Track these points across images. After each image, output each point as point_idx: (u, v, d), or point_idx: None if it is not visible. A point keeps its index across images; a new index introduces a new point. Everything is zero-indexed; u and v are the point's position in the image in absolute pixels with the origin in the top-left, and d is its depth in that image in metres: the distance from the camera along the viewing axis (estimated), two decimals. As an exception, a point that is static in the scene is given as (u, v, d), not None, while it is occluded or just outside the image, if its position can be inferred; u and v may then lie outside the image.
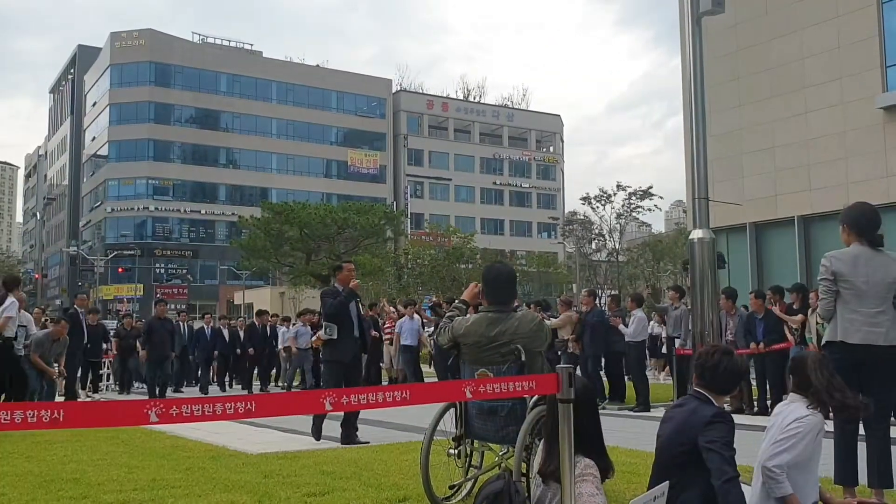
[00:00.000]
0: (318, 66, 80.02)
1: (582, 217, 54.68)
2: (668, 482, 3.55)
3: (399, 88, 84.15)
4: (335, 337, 8.45)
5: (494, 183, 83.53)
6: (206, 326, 18.69)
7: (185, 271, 69.66)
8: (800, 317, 11.09)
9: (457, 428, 5.05)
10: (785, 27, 20.73)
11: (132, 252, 65.28)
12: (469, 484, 5.08)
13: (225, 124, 73.79)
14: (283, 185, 73.33)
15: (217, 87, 73.24)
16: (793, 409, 4.18)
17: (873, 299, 5.09)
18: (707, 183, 6.30)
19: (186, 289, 68.40)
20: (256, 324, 18.63)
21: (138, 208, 70.19)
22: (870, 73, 18.96)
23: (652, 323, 17.77)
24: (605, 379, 13.34)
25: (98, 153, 75.08)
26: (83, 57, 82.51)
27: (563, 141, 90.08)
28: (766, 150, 20.99)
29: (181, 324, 18.71)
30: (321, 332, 9.58)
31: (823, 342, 5.45)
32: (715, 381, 3.86)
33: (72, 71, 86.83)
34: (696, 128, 6.28)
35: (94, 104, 76.50)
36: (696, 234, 6.20)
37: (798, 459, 3.95)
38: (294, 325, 18.13)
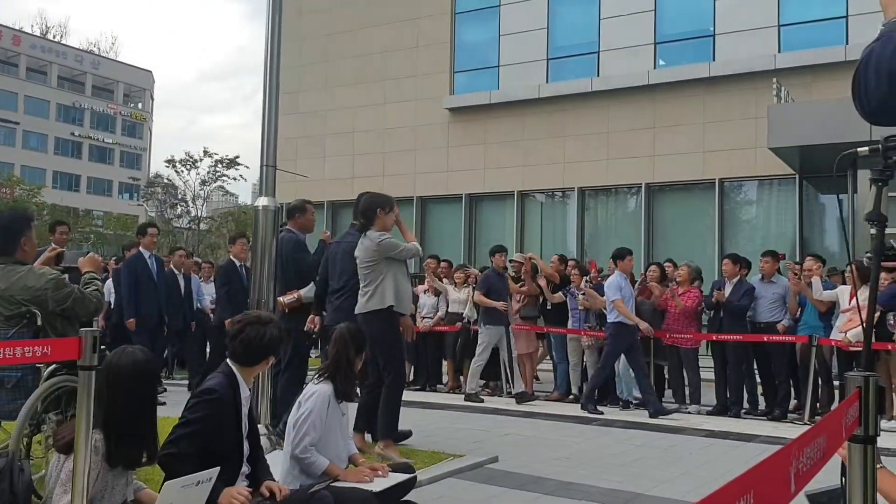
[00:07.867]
0: None
1: (166, 181, 52.16)
2: (218, 467, 3.35)
3: (-42, 10, 72.31)
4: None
5: (72, 134, 75.78)
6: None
7: None
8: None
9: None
10: (374, 19, 21.88)
11: None
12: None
13: None
14: None
15: None
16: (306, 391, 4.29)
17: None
18: (276, 151, 6.31)
19: None
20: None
21: None
22: (441, 75, 20.91)
23: None
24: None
25: None
26: None
27: (153, 99, 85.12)
28: (347, 133, 22.02)
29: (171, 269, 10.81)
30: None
31: None
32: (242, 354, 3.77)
33: None
34: (269, 94, 6.25)
35: None
36: (262, 201, 6.17)
37: (320, 434, 4.02)
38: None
